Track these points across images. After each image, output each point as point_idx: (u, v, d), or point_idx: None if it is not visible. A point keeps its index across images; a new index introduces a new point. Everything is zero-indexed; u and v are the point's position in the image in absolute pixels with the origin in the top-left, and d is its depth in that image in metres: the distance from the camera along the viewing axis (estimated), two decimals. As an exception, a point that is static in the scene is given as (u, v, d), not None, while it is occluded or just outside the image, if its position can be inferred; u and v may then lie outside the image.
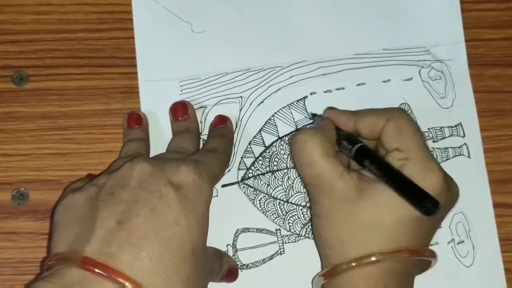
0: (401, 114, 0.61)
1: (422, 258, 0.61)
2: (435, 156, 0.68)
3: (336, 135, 0.63)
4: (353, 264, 0.58)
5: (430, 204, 0.55)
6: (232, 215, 0.66)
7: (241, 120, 0.68)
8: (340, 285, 0.60)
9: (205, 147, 0.64)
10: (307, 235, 0.67)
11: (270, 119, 0.68)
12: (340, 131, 0.64)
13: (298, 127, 0.68)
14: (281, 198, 0.67)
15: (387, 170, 0.59)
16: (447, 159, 0.69)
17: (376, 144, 0.63)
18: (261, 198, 0.67)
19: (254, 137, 0.68)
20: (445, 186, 0.59)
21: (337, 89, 0.69)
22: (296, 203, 0.67)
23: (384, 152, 0.61)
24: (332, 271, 0.59)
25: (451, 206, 0.63)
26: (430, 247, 0.64)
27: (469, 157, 0.69)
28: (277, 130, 0.68)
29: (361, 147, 0.61)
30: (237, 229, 0.66)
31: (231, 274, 0.64)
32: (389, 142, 0.60)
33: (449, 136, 0.69)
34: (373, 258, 0.58)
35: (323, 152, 0.60)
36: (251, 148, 0.68)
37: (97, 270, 0.50)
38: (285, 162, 0.68)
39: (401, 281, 0.59)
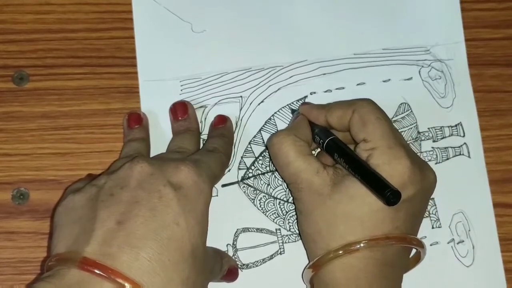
0: (365, 104, 0.62)
1: (409, 247, 0.61)
2: (435, 156, 0.69)
3: (312, 131, 0.64)
4: (334, 254, 0.59)
5: (390, 194, 0.55)
6: (232, 215, 0.66)
7: (241, 120, 0.68)
8: (324, 277, 0.60)
9: (205, 147, 0.64)
10: (307, 235, 0.67)
11: (270, 118, 0.68)
12: (314, 127, 0.64)
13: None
14: (281, 198, 0.67)
15: (353, 161, 0.59)
16: (447, 159, 0.69)
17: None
18: (261, 198, 0.67)
19: (254, 136, 0.68)
20: (416, 172, 0.59)
21: (337, 89, 0.69)
22: (296, 202, 0.67)
23: (355, 143, 0.62)
24: (317, 262, 0.60)
25: (428, 192, 0.62)
26: (431, 246, 0.65)
27: (469, 157, 0.69)
28: (277, 130, 0.68)
29: (330, 141, 0.62)
30: (237, 229, 0.66)
31: (231, 274, 0.64)
32: (356, 133, 0.61)
33: (449, 136, 0.69)
34: (357, 246, 0.58)
35: (297, 151, 0.62)
36: (251, 147, 0.68)
37: (96, 271, 0.50)
38: (285, 161, 0.68)
39: (384, 271, 0.59)
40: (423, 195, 0.61)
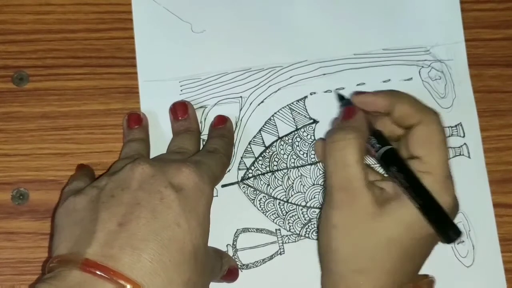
0: (434, 121, 0.60)
1: None
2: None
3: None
4: None
5: (454, 234, 0.55)
6: (232, 215, 0.66)
7: (241, 120, 0.68)
8: None
9: (206, 147, 0.64)
10: (307, 235, 0.67)
11: (270, 119, 0.68)
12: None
13: (298, 127, 0.68)
14: (281, 198, 0.67)
15: (416, 185, 0.57)
16: (447, 159, 0.69)
17: (392, 127, 0.62)
18: (261, 198, 0.67)
19: (254, 137, 0.68)
20: (455, 211, 0.59)
21: (337, 89, 0.69)
22: (296, 203, 0.67)
23: (404, 152, 0.61)
24: None
25: None
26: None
27: (469, 157, 0.69)
28: (277, 130, 0.68)
29: (390, 150, 0.60)
30: (237, 229, 0.66)
31: (232, 274, 0.64)
32: (415, 147, 0.59)
33: (449, 136, 0.69)
34: None
35: (360, 157, 0.58)
36: (251, 148, 0.68)
37: (98, 272, 0.50)
38: (285, 162, 0.68)
39: None
40: None
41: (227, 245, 0.66)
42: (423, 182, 0.58)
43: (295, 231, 0.67)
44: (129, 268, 0.51)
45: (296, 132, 0.68)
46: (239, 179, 0.67)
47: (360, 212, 0.58)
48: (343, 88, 0.69)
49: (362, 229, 0.58)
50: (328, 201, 0.60)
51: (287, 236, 0.67)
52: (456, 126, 0.70)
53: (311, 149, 0.68)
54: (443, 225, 0.56)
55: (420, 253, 0.60)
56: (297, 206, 0.67)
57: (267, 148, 0.68)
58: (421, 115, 0.60)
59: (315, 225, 0.67)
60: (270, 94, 0.69)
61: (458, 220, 0.68)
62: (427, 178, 0.58)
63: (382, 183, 0.60)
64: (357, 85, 0.69)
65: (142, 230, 0.52)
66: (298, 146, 0.68)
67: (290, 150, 0.68)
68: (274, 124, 0.68)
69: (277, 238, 0.66)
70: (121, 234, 0.52)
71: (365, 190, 0.58)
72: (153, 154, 0.65)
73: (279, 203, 0.67)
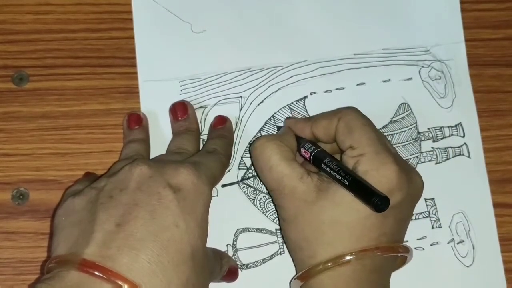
0: (350, 112, 0.62)
1: (396, 255, 0.61)
2: (434, 156, 0.69)
3: (297, 143, 0.64)
4: (323, 266, 0.59)
5: (379, 201, 0.55)
6: (232, 215, 0.66)
7: (241, 120, 0.68)
8: (312, 285, 0.60)
9: (205, 148, 0.64)
10: (307, 235, 0.67)
11: (270, 119, 0.68)
12: (299, 140, 0.64)
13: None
14: (281, 198, 0.67)
15: (338, 170, 0.59)
16: (447, 159, 0.69)
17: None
18: (261, 198, 0.67)
19: (254, 137, 0.68)
20: (403, 178, 0.59)
21: (337, 89, 0.69)
22: (296, 203, 0.67)
23: (341, 152, 0.62)
24: (306, 274, 0.60)
25: (415, 197, 0.62)
26: (432, 246, 0.64)
27: (469, 157, 0.69)
28: (277, 130, 0.68)
29: (317, 152, 0.62)
30: (237, 229, 0.66)
31: (231, 274, 0.64)
32: (342, 141, 0.61)
33: (449, 136, 0.69)
34: (347, 258, 0.58)
35: (281, 156, 0.61)
36: (251, 148, 0.68)
37: (96, 273, 0.50)
38: (285, 162, 0.67)
39: (373, 276, 0.59)
40: (411, 201, 0.61)
41: (227, 245, 0.66)
42: (359, 165, 0.59)
43: (295, 231, 0.67)
44: (127, 269, 0.50)
45: (296, 132, 0.68)
46: (239, 179, 0.67)
47: (299, 202, 0.60)
48: (343, 88, 0.69)
49: (305, 216, 0.60)
50: (274, 200, 0.63)
51: (287, 236, 0.67)
52: (456, 126, 0.70)
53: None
54: (365, 195, 0.56)
55: (375, 230, 0.59)
56: (297, 206, 0.67)
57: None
58: (337, 116, 0.62)
59: (315, 225, 0.67)
60: (270, 94, 0.69)
61: (458, 220, 0.68)
62: (361, 160, 0.59)
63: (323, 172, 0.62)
64: (357, 85, 0.69)
65: (140, 230, 0.52)
66: (298, 146, 0.68)
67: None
68: (274, 124, 0.68)
69: (277, 238, 0.66)
70: (119, 234, 0.52)
71: (298, 182, 0.60)
72: (153, 154, 0.65)
73: (279, 203, 0.67)
